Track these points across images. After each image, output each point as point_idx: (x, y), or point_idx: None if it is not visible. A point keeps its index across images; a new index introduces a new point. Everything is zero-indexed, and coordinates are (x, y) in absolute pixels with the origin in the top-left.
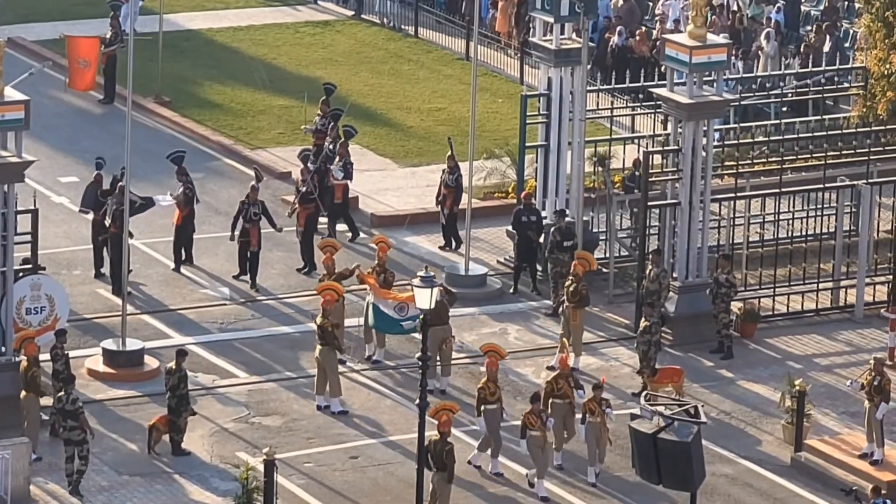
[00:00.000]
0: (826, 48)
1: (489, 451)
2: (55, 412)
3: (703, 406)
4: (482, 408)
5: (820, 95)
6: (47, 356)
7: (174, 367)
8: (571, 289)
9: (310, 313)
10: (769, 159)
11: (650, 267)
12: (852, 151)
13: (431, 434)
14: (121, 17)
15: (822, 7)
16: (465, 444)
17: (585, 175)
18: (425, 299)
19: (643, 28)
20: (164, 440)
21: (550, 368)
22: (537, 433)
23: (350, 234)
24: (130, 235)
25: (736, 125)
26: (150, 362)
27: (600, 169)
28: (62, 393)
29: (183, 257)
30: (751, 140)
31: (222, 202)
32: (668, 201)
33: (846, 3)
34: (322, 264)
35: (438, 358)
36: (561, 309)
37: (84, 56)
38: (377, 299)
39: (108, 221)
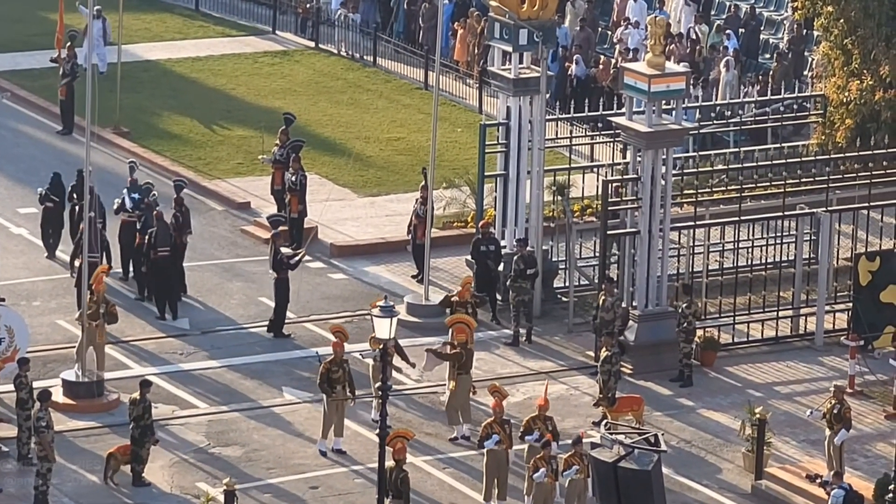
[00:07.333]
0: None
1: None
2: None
3: (663, 434)
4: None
5: (779, 123)
6: (10, 387)
7: (138, 397)
8: None
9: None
10: (728, 187)
11: (603, 296)
12: (811, 179)
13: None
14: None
15: (781, 35)
16: (424, 473)
17: (545, 204)
18: (384, 329)
19: (602, 56)
20: (123, 470)
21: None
22: (547, 481)
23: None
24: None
25: (695, 153)
26: (110, 393)
27: (560, 198)
28: (35, 407)
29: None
30: (710, 168)
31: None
32: (628, 230)
33: (805, 31)
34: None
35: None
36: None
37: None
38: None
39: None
